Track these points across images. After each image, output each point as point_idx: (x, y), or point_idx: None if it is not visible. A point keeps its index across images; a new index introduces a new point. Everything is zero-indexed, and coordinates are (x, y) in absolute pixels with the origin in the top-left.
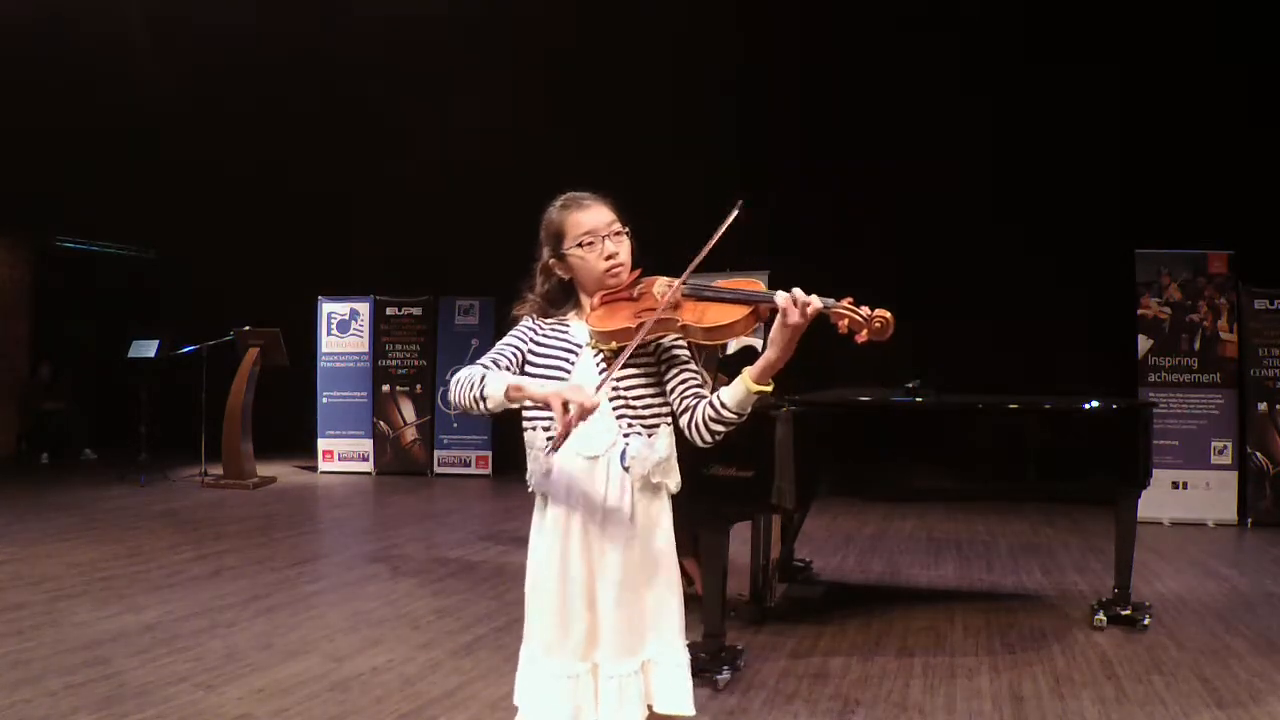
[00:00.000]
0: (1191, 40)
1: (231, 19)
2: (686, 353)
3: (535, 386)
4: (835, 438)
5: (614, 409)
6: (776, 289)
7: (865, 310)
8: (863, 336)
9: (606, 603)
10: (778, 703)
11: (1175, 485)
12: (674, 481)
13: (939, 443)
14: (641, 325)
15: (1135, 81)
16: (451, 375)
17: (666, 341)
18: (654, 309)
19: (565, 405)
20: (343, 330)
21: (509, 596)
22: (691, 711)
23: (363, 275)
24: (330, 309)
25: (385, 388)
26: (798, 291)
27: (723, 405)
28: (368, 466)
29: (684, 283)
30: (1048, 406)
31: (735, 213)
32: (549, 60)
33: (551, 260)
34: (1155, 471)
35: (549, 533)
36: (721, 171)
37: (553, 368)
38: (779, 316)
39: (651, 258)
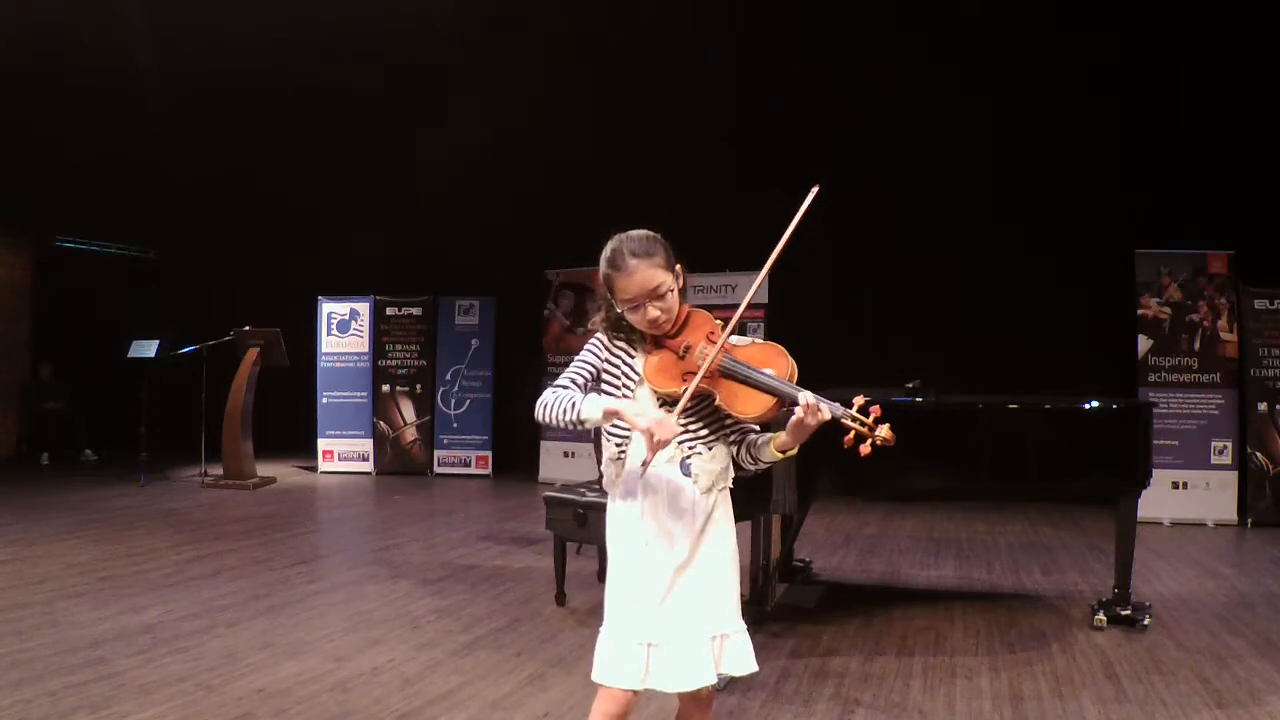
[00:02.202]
0: (1192, 40)
1: (231, 19)
2: None
3: (631, 414)
4: (835, 438)
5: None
6: (798, 382)
7: (872, 419)
8: (866, 449)
9: (679, 588)
10: (778, 703)
11: (1175, 485)
12: (730, 481)
13: (939, 443)
14: (685, 390)
15: (1135, 81)
16: (541, 399)
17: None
18: (695, 373)
19: (654, 435)
20: (343, 330)
21: (509, 597)
22: (756, 668)
23: (363, 275)
24: (330, 309)
25: (385, 388)
26: (811, 399)
27: (756, 456)
28: (368, 466)
29: (720, 353)
30: (1048, 406)
31: (808, 201)
32: (549, 60)
33: (608, 298)
34: (1155, 471)
35: (617, 524)
36: (722, 171)
37: (620, 389)
38: (794, 414)
39: None
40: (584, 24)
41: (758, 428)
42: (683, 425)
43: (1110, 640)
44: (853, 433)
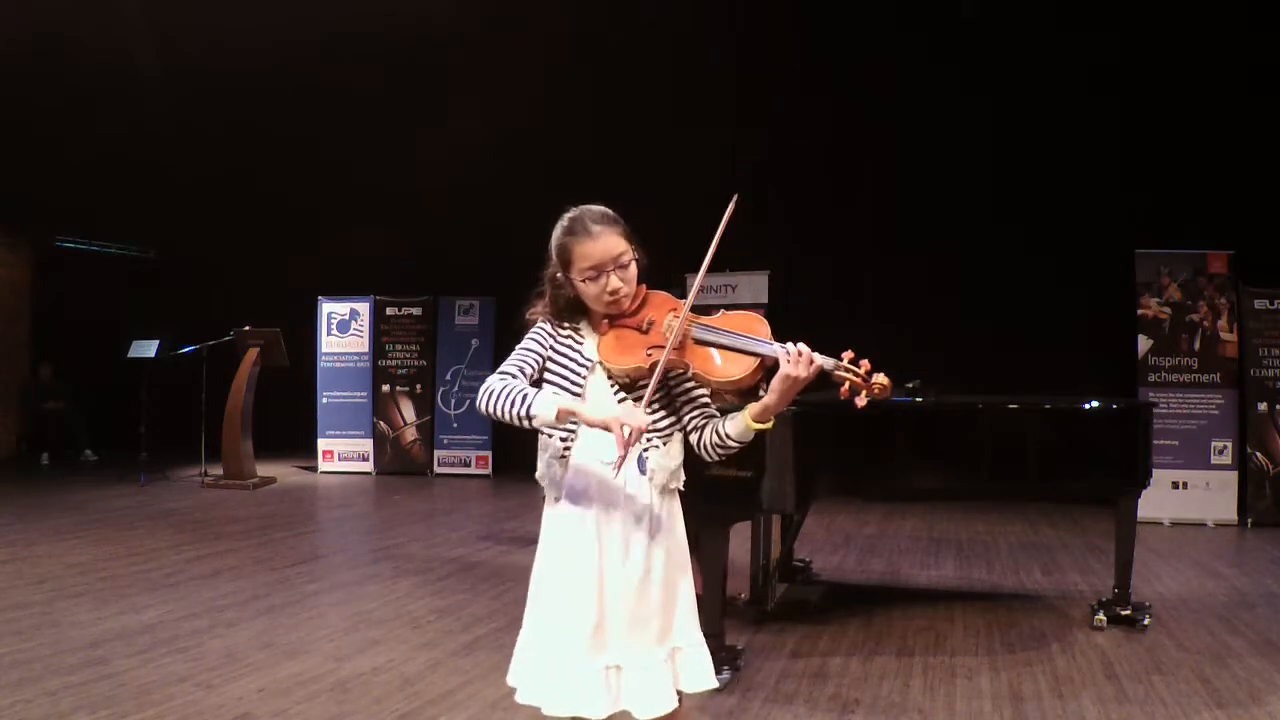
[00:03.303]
0: (1192, 40)
1: (231, 19)
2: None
3: (589, 412)
4: (835, 438)
5: None
6: (775, 337)
7: (865, 368)
8: (862, 400)
9: (628, 599)
10: (778, 703)
11: (1175, 485)
12: (682, 481)
13: (939, 443)
14: (654, 364)
15: (1135, 81)
16: (487, 385)
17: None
18: (663, 346)
19: (623, 429)
20: (343, 330)
21: (509, 596)
22: (716, 684)
23: (363, 275)
24: (330, 309)
25: (385, 388)
26: (801, 347)
27: (727, 435)
28: (368, 466)
29: (689, 317)
30: (1048, 406)
31: (729, 211)
32: (549, 60)
33: (559, 276)
34: (1155, 471)
35: (561, 529)
36: (720, 171)
37: (567, 380)
38: (781, 368)
39: (654, 258)
40: (584, 24)
41: (716, 412)
42: (649, 412)
43: (1110, 640)
44: (847, 384)
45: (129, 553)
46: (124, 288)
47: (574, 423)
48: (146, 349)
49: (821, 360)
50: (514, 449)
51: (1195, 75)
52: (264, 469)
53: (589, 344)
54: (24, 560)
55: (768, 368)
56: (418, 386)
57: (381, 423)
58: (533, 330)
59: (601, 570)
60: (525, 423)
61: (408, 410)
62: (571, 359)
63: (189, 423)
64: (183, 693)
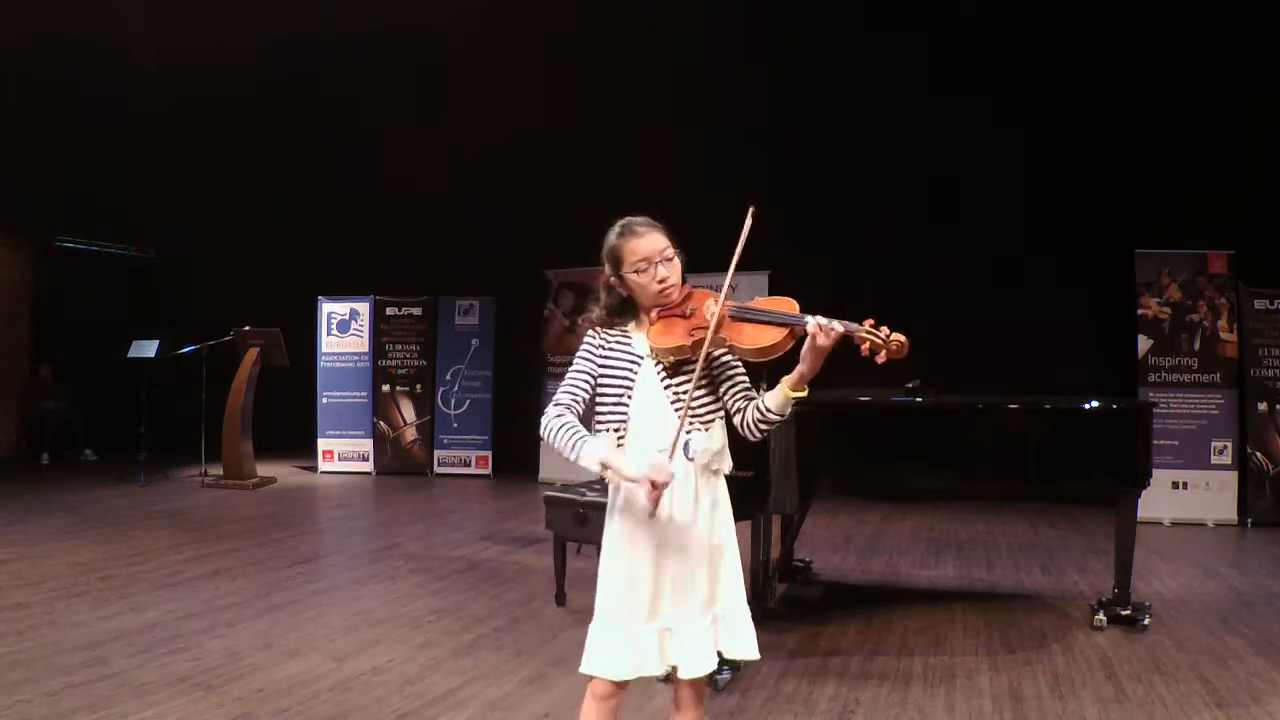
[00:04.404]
0: (1192, 40)
1: (231, 20)
2: (737, 360)
3: (627, 470)
4: (835, 438)
5: (674, 409)
6: (804, 311)
7: (884, 332)
8: (882, 357)
9: (678, 571)
10: (778, 703)
11: (1175, 485)
12: (728, 465)
13: (939, 443)
14: (697, 343)
15: (1135, 81)
16: (545, 419)
17: (717, 351)
18: (705, 327)
19: (654, 484)
20: (343, 330)
21: (509, 596)
22: (757, 656)
23: (363, 275)
24: (330, 309)
25: (385, 388)
26: (825, 319)
27: (767, 409)
28: (368, 466)
29: (727, 300)
30: (1048, 406)
31: (749, 221)
32: (549, 59)
33: (613, 279)
34: (1155, 471)
35: (622, 515)
36: (720, 169)
37: (619, 378)
38: (809, 339)
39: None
40: (584, 24)
41: (752, 391)
42: (680, 399)
43: (1110, 640)
44: (868, 344)
45: (129, 553)
46: (124, 288)
47: (615, 409)
48: (146, 349)
49: (843, 326)
50: (514, 449)
51: (1195, 75)
52: (264, 469)
53: (638, 340)
54: (24, 560)
55: (798, 337)
56: (418, 386)
57: (381, 423)
58: (583, 344)
59: (656, 548)
60: (574, 460)
61: (408, 410)
62: (622, 356)
63: (189, 423)
64: (183, 693)
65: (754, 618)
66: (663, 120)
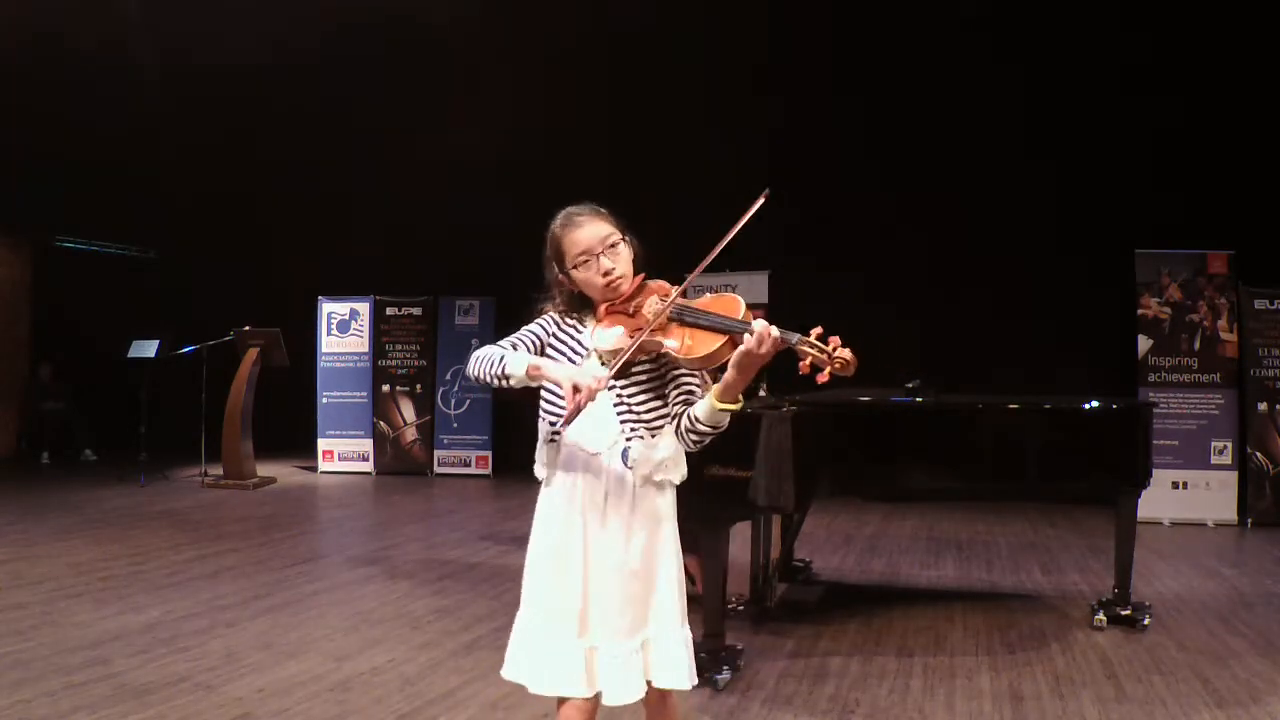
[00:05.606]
0: (1191, 40)
1: (231, 20)
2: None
3: (551, 369)
4: (835, 438)
5: (617, 412)
6: (753, 314)
7: (831, 345)
8: (824, 376)
9: (606, 586)
10: (778, 703)
11: (1175, 485)
12: (678, 475)
13: (939, 443)
14: (633, 342)
15: (1135, 81)
16: (475, 352)
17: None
18: (645, 329)
19: (575, 387)
20: (343, 330)
21: (509, 596)
22: (688, 686)
23: (363, 275)
24: (330, 309)
25: (385, 388)
26: (767, 326)
27: (696, 419)
28: (368, 466)
29: (672, 304)
30: (1047, 406)
31: (759, 203)
32: (549, 59)
33: (560, 276)
34: (1155, 471)
35: (551, 513)
36: (720, 169)
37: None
38: (743, 346)
39: (655, 259)
40: (585, 24)
41: (694, 396)
42: (623, 401)
43: (1110, 640)
44: (809, 359)
45: (129, 553)
46: (124, 288)
47: (547, 393)
48: (146, 349)
49: (782, 335)
50: (514, 449)
51: (1195, 75)
52: (264, 469)
53: (588, 333)
54: (24, 560)
55: (738, 345)
56: (418, 386)
57: (381, 423)
58: (539, 317)
59: (587, 555)
60: (503, 382)
61: (408, 410)
62: (569, 346)
63: (189, 423)
64: (183, 693)
65: (754, 618)
66: (663, 120)
